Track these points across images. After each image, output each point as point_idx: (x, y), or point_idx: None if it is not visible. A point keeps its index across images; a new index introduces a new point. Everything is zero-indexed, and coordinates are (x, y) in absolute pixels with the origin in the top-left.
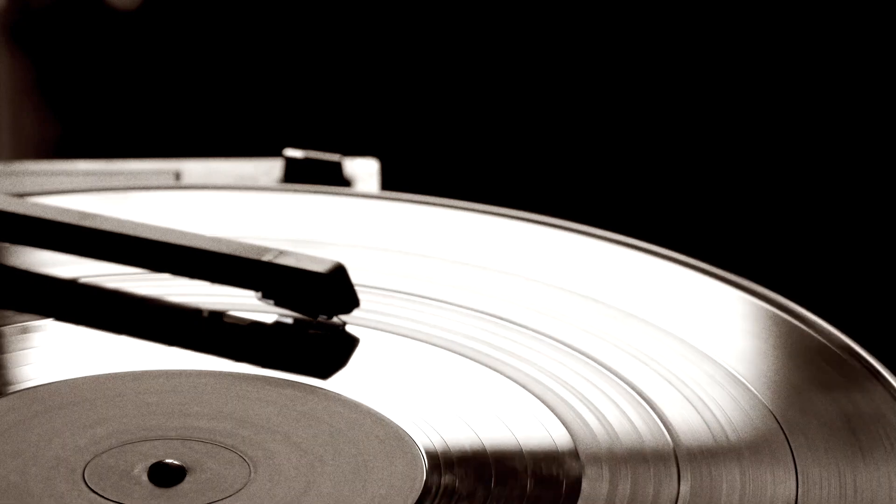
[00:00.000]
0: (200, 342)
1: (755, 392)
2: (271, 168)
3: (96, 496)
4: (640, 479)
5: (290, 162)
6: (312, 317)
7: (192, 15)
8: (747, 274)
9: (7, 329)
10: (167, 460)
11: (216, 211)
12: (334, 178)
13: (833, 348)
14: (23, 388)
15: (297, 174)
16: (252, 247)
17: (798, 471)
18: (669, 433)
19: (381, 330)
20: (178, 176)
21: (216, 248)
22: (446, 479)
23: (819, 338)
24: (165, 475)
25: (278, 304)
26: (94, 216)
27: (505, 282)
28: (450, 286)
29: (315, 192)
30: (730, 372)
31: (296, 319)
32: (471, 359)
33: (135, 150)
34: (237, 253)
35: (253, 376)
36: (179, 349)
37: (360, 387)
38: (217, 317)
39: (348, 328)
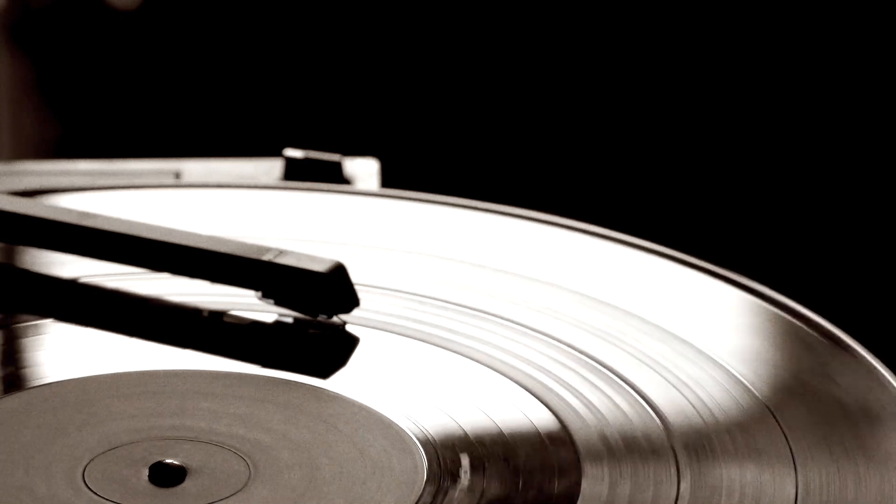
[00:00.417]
0: (200, 342)
1: (755, 391)
2: (271, 168)
3: (96, 496)
4: (640, 479)
5: (290, 162)
6: (312, 316)
7: (192, 15)
8: (747, 272)
9: (7, 329)
10: (167, 460)
11: (216, 210)
12: (334, 178)
13: (834, 346)
14: (22, 388)
15: (297, 174)
16: (252, 246)
17: (798, 469)
18: (668, 431)
19: (381, 329)
20: (178, 176)
21: (216, 247)
22: (447, 478)
23: (819, 336)
24: (165, 475)
25: (278, 303)
26: (94, 216)
27: (505, 281)
28: (450, 285)
29: (315, 189)
30: (729, 371)
31: (296, 319)
32: (471, 358)
33: (135, 150)
34: (237, 252)
35: (253, 376)
36: (179, 349)
37: (361, 386)
38: (217, 317)
39: (348, 328)
